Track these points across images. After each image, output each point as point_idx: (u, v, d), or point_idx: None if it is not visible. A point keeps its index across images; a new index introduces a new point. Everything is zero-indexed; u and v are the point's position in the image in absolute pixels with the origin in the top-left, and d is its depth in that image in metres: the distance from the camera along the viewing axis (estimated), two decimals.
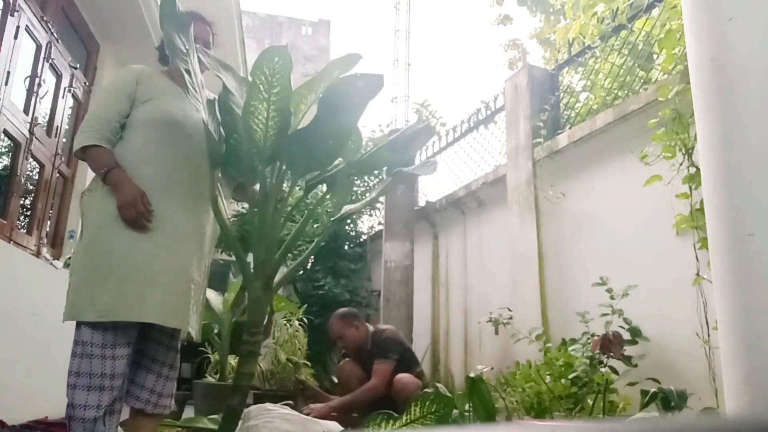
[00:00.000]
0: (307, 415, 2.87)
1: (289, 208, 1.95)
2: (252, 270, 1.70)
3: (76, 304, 1.71)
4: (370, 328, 3.55)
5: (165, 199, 1.81)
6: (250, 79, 1.62)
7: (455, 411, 1.83)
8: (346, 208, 1.96)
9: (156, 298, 1.73)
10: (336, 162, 1.82)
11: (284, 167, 1.76)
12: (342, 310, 3.69)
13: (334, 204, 2.04)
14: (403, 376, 3.18)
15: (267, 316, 1.85)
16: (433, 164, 1.95)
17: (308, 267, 6.48)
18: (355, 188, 6.69)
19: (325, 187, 1.93)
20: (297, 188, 2.70)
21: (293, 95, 1.68)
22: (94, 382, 1.67)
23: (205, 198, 1.87)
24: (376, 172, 6.49)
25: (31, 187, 3.38)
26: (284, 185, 1.86)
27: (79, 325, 1.73)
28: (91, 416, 1.65)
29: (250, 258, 1.82)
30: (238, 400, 1.60)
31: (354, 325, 3.48)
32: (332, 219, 1.94)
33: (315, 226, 6.12)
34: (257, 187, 1.90)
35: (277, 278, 1.81)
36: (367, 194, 6.73)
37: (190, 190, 1.87)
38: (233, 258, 1.88)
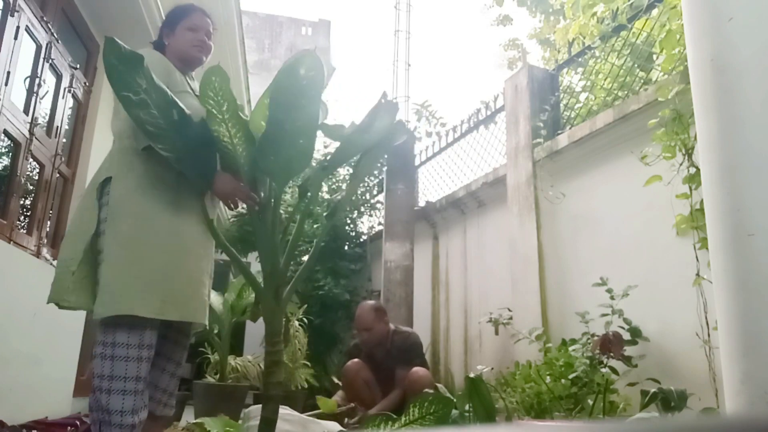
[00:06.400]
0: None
1: (288, 214, 1.96)
2: (262, 283, 1.70)
3: (124, 298, 1.61)
4: (391, 326, 3.56)
5: (191, 196, 1.82)
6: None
7: (455, 411, 1.83)
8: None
9: (196, 296, 1.76)
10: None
11: (263, 178, 1.76)
12: (373, 302, 3.69)
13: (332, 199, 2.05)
14: (419, 370, 3.22)
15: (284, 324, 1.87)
16: (401, 126, 1.87)
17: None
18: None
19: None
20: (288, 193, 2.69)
21: (257, 108, 1.63)
22: (129, 386, 1.61)
23: (212, 196, 1.90)
24: (375, 172, 6.52)
25: (31, 187, 3.38)
26: (263, 194, 1.86)
27: (114, 325, 1.63)
28: (129, 422, 1.59)
29: (250, 261, 1.84)
30: (272, 410, 1.61)
31: (384, 320, 3.50)
32: (325, 215, 1.94)
33: (315, 226, 6.12)
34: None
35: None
36: (367, 194, 6.76)
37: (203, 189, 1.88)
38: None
